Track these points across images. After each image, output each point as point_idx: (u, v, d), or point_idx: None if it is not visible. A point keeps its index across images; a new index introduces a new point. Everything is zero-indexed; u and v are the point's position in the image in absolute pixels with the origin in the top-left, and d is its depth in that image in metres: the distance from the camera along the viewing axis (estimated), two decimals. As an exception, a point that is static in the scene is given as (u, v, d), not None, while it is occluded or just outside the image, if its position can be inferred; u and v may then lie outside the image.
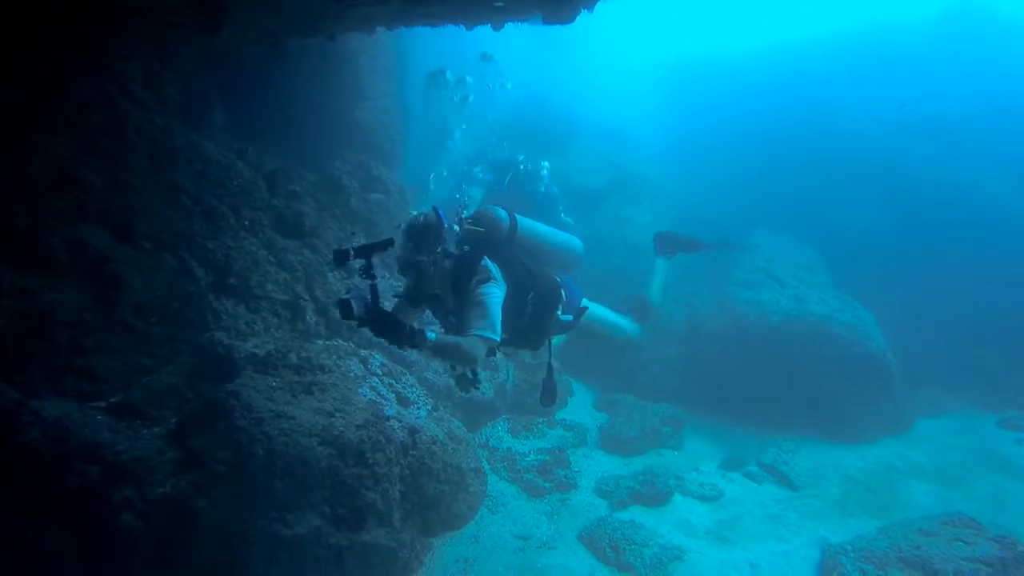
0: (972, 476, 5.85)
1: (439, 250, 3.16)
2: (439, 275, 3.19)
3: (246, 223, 4.72)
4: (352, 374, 4.98)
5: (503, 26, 3.73)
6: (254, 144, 5.87)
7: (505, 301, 3.19)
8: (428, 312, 3.72)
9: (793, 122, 10.47)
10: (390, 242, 2.99)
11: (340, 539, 4.25)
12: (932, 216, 9.16)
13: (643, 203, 9.76)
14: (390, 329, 2.83)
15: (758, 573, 4.65)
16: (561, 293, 3.68)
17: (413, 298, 3.35)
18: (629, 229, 8.94)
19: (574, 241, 4.06)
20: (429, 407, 5.62)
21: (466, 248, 3.26)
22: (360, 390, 4.90)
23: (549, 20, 3.39)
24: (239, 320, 4.63)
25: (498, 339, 3.04)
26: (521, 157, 8.62)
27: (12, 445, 3.42)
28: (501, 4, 3.12)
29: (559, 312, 3.65)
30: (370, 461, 4.44)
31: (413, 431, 4.99)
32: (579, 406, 8.02)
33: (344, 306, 2.78)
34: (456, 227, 3.35)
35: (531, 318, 3.44)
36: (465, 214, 3.48)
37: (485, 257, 3.22)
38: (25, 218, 3.71)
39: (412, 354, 6.21)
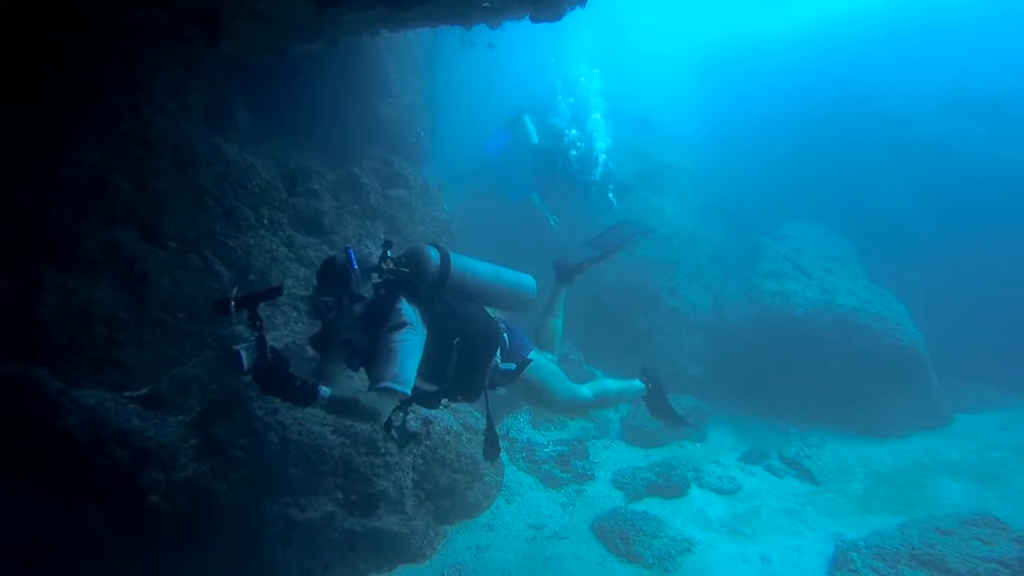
0: (1012, 475, 5.56)
1: (346, 293, 2.92)
2: (347, 320, 2.94)
3: (265, 222, 4.96)
4: (368, 364, 5.18)
5: (500, 24, 3.78)
6: (279, 145, 6.12)
7: (427, 348, 2.95)
8: None
9: (827, 104, 10.07)
10: (278, 290, 2.75)
11: (353, 524, 4.46)
12: (977, 199, 8.68)
13: (671, 193, 9.62)
14: (278, 386, 2.59)
15: (769, 567, 4.61)
16: (499, 339, 3.36)
17: (320, 344, 3.10)
18: (656, 219, 8.84)
19: (524, 280, 3.64)
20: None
21: (382, 291, 3.01)
22: (375, 381, 5.09)
23: (536, 19, 3.43)
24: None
25: (407, 392, 2.77)
26: (575, 133, 8.45)
27: (54, 429, 3.74)
28: (488, 4, 3.17)
29: (498, 360, 3.35)
30: (382, 450, 4.63)
31: (427, 421, 5.15)
32: (603, 398, 8.04)
33: (233, 358, 2.58)
34: (379, 267, 3.10)
35: (459, 366, 3.16)
36: (391, 253, 3.19)
37: (402, 300, 2.95)
38: (63, 222, 4.01)
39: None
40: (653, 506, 5.63)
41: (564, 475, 6.18)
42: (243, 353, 2.60)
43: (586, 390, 3.84)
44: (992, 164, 8.76)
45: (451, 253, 3.34)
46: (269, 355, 2.64)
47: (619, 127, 9.84)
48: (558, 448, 6.56)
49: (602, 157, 8.64)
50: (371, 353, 2.88)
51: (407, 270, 3.16)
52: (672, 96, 11.30)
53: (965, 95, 9.35)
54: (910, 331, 7.09)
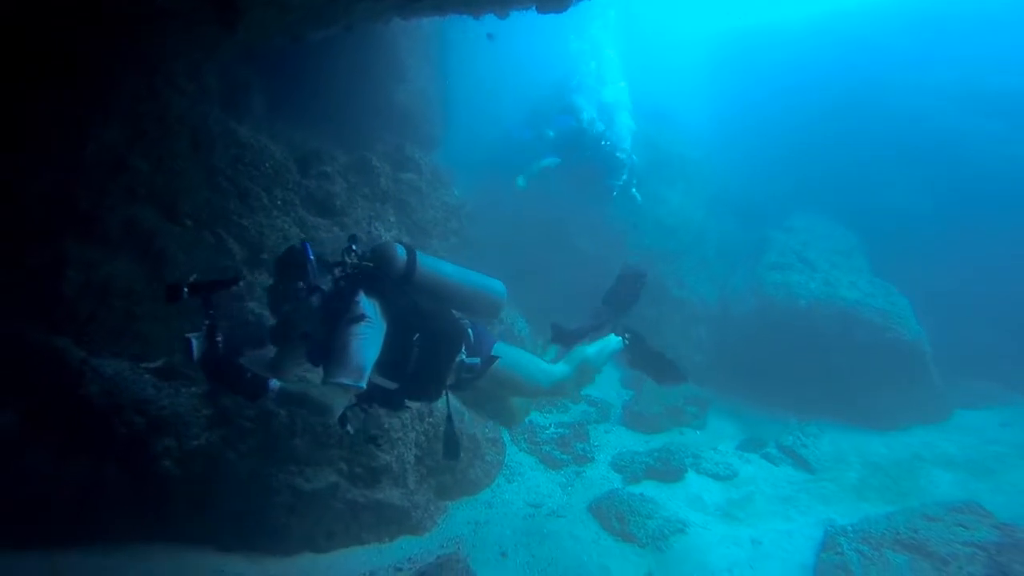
0: (1006, 468, 5.64)
1: (302, 286, 2.90)
2: (304, 312, 2.93)
3: (278, 202, 5.11)
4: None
5: (508, 14, 3.86)
6: (293, 128, 6.27)
7: (386, 343, 2.91)
8: None
9: (839, 98, 9.98)
10: (233, 281, 2.71)
11: (356, 495, 4.64)
12: (987, 196, 8.60)
13: (679, 184, 9.65)
14: (225, 377, 2.55)
15: (758, 549, 4.74)
16: (464, 334, 3.34)
17: (278, 336, 3.09)
18: (663, 209, 8.90)
19: (491, 283, 3.57)
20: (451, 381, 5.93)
21: (341, 284, 2.97)
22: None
23: (542, 9, 3.51)
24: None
25: (362, 385, 2.73)
26: (601, 128, 8.14)
27: (77, 396, 3.95)
28: (495, -6, 3.26)
29: (463, 355, 3.31)
30: (385, 426, 4.81)
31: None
32: (606, 383, 8.16)
33: (184, 346, 2.54)
34: (341, 261, 3.09)
35: (419, 363, 3.10)
36: (356, 247, 3.16)
37: (361, 293, 2.90)
38: (86, 200, 4.19)
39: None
40: (650, 489, 5.76)
41: (564, 457, 6.33)
42: (194, 341, 2.55)
43: (563, 366, 3.82)
44: (1003, 161, 8.67)
45: (419, 253, 3.29)
46: (220, 345, 2.58)
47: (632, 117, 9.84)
48: (559, 430, 6.71)
49: (623, 155, 8.32)
50: (328, 346, 2.82)
51: (370, 264, 3.11)
52: (684, 87, 11.25)
53: (979, 90, 9.23)
54: (912, 326, 7.12)
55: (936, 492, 5.27)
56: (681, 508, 5.44)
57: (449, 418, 3.48)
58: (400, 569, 4.32)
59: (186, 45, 4.56)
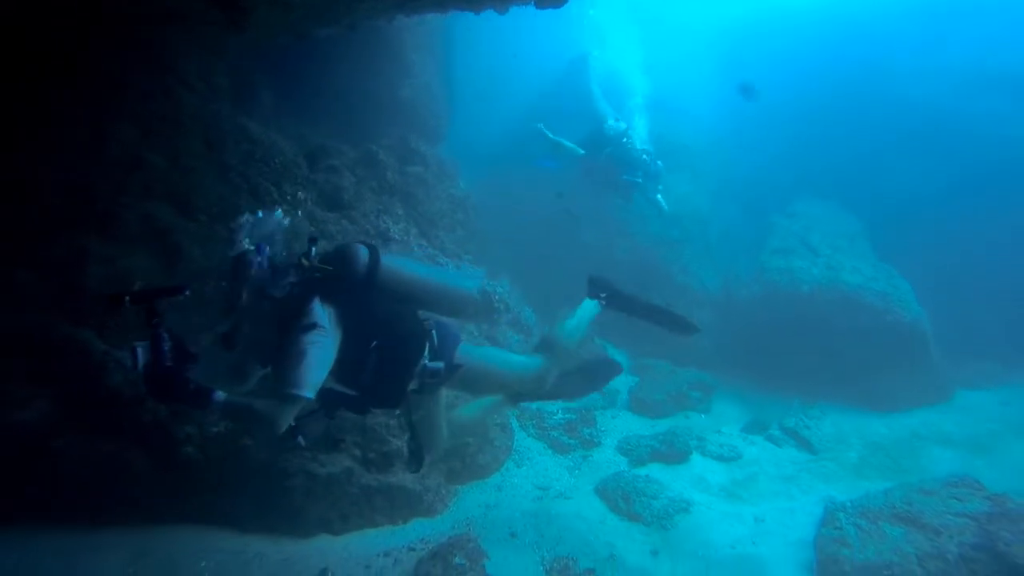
0: (1003, 445, 5.76)
1: (253, 290, 2.78)
2: (254, 318, 2.83)
3: (288, 197, 5.25)
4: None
5: (507, 9, 3.96)
6: (300, 123, 6.40)
7: (342, 352, 2.84)
8: None
9: (844, 83, 10.01)
10: (179, 289, 2.58)
11: (369, 480, 4.79)
12: (992, 179, 8.63)
13: (684, 172, 9.70)
14: (166, 389, 2.46)
15: (760, 526, 4.88)
16: (425, 339, 3.22)
17: (228, 342, 2.89)
18: (667, 197, 8.95)
19: (463, 282, 3.49)
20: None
21: (296, 290, 2.87)
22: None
23: (540, 5, 3.61)
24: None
25: (310, 396, 2.64)
26: (624, 127, 7.93)
27: (101, 386, 4.12)
28: (494, -10, 3.36)
29: (426, 359, 3.21)
30: (396, 412, 4.96)
31: (440, 386, 5.46)
32: (612, 371, 8.29)
33: (130, 353, 2.43)
34: (298, 264, 2.96)
35: (377, 370, 3.00)
36: (315, 250, 3.04)
37: (315, 301, 2.82)
38: (105, 197, 4.35)
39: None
40: (655, 471, 5.89)
41: (571, 441, 6.46)
42: (139, 350, 2.43)
43: (539, 357, 3.69)
44: (1007, 142, 8.68)
45: (386, 253, 3.17)
46: (169, 355, 2.47)
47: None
48: (567, 416, 6.84)
49: (644, 155, 7.94)
50: (279, 354, 2.75)
51: (330, 268, 3.00)
52: (689, 74, 11.28)
53: (983, 71, 9.22)
54: (913, 308, 7.20)
55: (934, 469, 5.38)
56: (686, 489, 5.57)
57: (411, 426, 3.34)
58: (413, 549, 4.46)
59: (196, 45, 4.71)
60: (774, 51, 10.73)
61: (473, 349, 3.54)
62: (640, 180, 7.75)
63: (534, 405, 7.18)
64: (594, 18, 10.90)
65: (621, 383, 7.98)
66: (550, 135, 8.19)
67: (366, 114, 7.59)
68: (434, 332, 3.29)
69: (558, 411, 7.01)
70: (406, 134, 7.65)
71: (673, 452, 6.15)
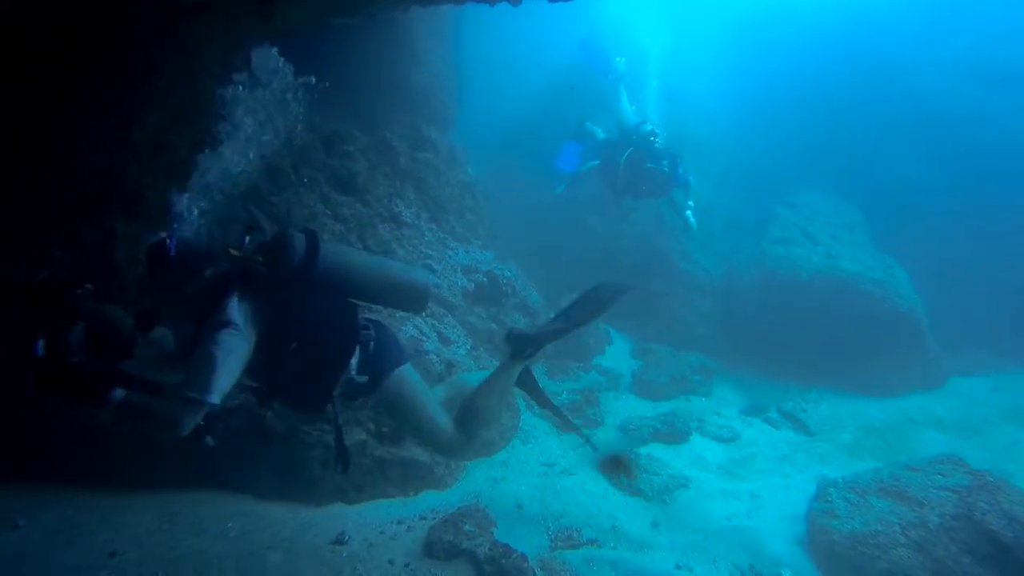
0: (990, 428, 5.98)
1: (166, 283, 2.65)
2: (169, 313, 2.72)
3: (305, 180, 5.44)
4: (398, 314, 5.70)
5: (520, 1, 4.10)
6: (315, 109, 6.56)
7: (260, 352, 2.66)
8: None
9: (848, 74, 10.11)
10: (76, 284, 2.51)
11: (383, 452, 5.01)
12: (993, 170, 8.77)
13: (688, 161, 9.82)
14: (58, 385, 2.31)
15: (756, 502, 5.09)
16: (350, 347, 2.97)
17: (144, 324, 2.77)
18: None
19: (411, 275, 3.24)
20: (468, 347, 6.28)
21: (215, 283, 2.69)
22: (404, 327, 5.60)
23: (552, -2, 3.76)
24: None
25: (214, 401, 2.47)
26: (649, 128, 7.52)
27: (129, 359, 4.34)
28: (510, -17, 3.51)
29: (353, 369, 2.98)
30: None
31: (450, 365, 5.66)
32: (616, 353, 8.51)
33: (31, 346, 2.30)
34: (225, 253, 2.80)
35: (295, 374, 2.81)
36: (248, 239, 2.86)
37: (232, 296, 2.62)
38: (132, 179, 4.55)
39: (456, 298, 6.89)
40: (656, 450, 6.10)
41: (576, 421, 6.67)
42: (40, 343, 2.30)
43: (457, 429, 3.34)
44: (1008, 134, 8.80)
45: (325, 243, 2.94)
46: (77, 347, 2.37)
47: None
48: (571, 396, 7.06)
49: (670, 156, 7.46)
50: (191, 352, 2.59)
51: (260, 259, 2.82)
52: (695, 64, 11.36)
53: (986, 64, 9.32)
54: (909, 296, 7.39)
55: (924, 451, 5.57)
56: (685, 467, 5.78)
57: (337, 430, 3.15)
58: (424, 518, 4.68)
59: (217, 33, 4.87)
60: (778, 41, 10.81)
61: (413, 379, 3.25)
62: (666, 169, 7.30)
63: (540, 386, 7.40)
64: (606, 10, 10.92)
65: (625, 366, 8.19)
66: (599, 132, 8.08)
67: (377, 101, 7.73)
68: (372, 342, 3.05)
69: (563, 392, 7.23)
70: (417, 121, 7.81)
71: (674, 432, 6.35)
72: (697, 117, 10.65)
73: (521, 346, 3.49)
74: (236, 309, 2.61)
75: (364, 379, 3.04)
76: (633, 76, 8.74)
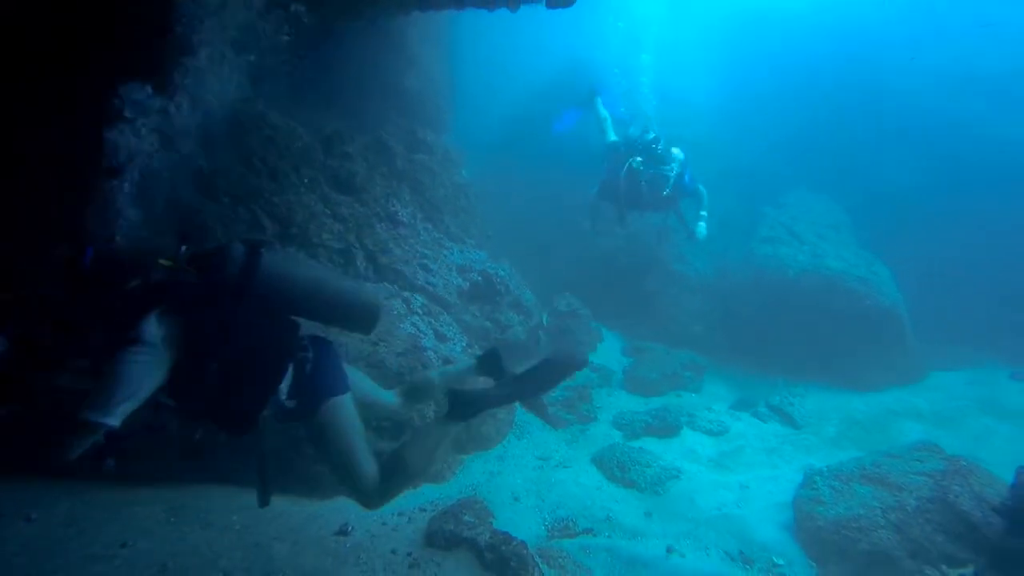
0: (964, 419, 6.27)
1: (82, 296, 2.49)
2: (84, 325, 2.52)
3: (305, 181, 5.54)
4: (395, 312, 5.81)
5: (518, 8, 4.25)
6: (310, 110, 6.68)
7: (177, 372, 2.50)
8: None
9: (837, 79, 10.39)
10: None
11: (383, 446, 5.12)
12: (974, 175, 9.09)
13: (692, 167, 10.03)
14: None
15: (746, 492, 5.27)
16: (277, 370, 2.75)
17: (61, 330, 2.58)
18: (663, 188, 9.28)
19: (361, 293, 3.05)
20: (463, 344, 6.40)
21: (134, 296, 2.52)
22: (402, 325, 5.72)
23: (551, 4, 3.90)
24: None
25: (111, 423, 2.31)
26: (651, 136, 7.25)
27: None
28: (510, -8, 3.65)
29: (282, 393, 2.77)
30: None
31: (447, 361, 5.78)
32: (608, 352, 8.67)
33: None
34: (155, 264, 2.63)
35: (219, 394, 2.61)
36: (184, 249, 2.70)
37: (151, 312, 2.45)
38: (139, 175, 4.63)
39: (452, 297, 7.02)
40: (648, 444, 6.27)
41: (569, 416, 6.83)
42: None
43: (379, 479, 3.04)
44: (987, 142, 9.12)
45: (270, 255, 2.74)
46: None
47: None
48: (565, 393, 7.19)
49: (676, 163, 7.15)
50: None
51: (192, 271, 2.65)
52: (688, 66, 11.58)
53: (967, 73, 9.64)
54: (891, 293, 7.65)
55: (904, 440, 5.79)
56: (677, 459, 5.95)
57: (260, 457, 2.92)
58: (424, 510, 4.79)
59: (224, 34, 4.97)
60: (770, 45, 11.05)
61: (347, 413, 2.98)
62: (672, 175, 7.04)
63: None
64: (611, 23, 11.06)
65: (616, 364, 8.36)
66: (610, 131, 7.83)
67: (373, 102, 7.85)
68: (310, 365, 2.85)
69: (556, 389, 7.37)
70: (412, 123, 7.93)
71: (665, 427, 6.52)
72: (691, 119, 10.84)
73: (461, 408, 3.27)
74: (154, 325, 2.44)
75: (291, 404, 2.83)
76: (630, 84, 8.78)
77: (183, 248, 2.72)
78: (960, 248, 9.15)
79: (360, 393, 3.23)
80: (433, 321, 6.26)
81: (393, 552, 4.05)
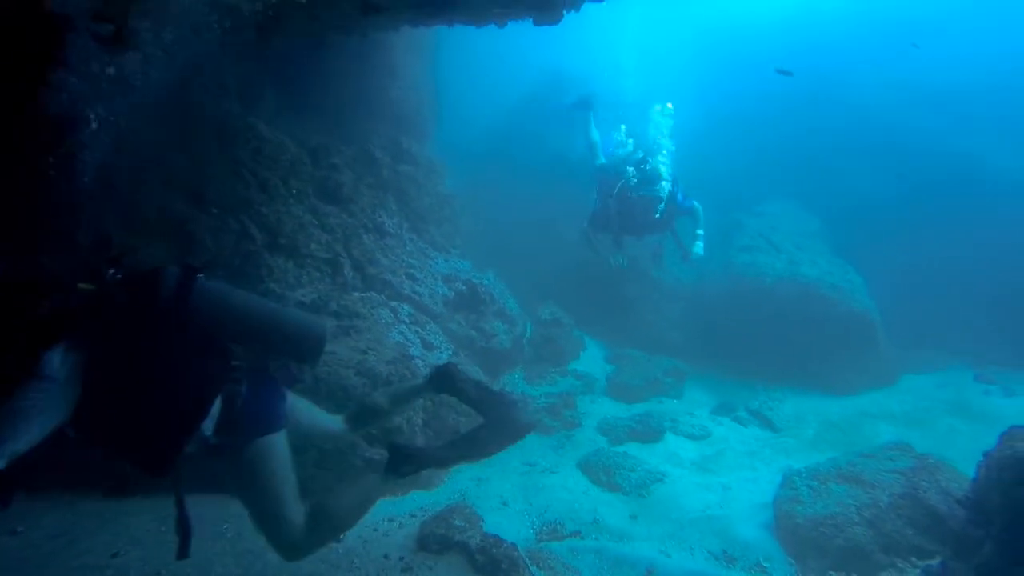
0: (933, 419, 6.57)
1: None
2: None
3: (294, 192, 5.60)
4: (383, 321, 5.88)
5: (506, 24, 4.39)
6: (295, 122, 6.74)
7: (85, 405, 2.29)
8: None
9: (807, 94, 10.76)
10: None
11: (372, 453, 5.17)
12: (935, 185, 9.51)
13: (683, 184, 10.27)
14: None
15: (728, 493, 5.42)
16: (210, 402, 2.54)
17: None
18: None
19: (303, 321, 2.86)
20: (450, 352, 6.49)
21: (43, 322, 2.28)
22: (390, 334, 5.79)
23: (538, 22, 4.05)
24: (288, 274, 5.54)
25: None
26: (640, 155, 7.16)
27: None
28: (499, 10, 3.79)
29: (208, 430, 2.56)
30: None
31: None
32: (590, 359, 8.79)
33: None
34: (80, 289, 2.38)
35: (136, 429, 2.42)
36: (112, 272, 2.48)
37: (62, 341, 2.25)
38: (128, 188, 4.66)
39: (438, 306, 7.10)
40: (632, 448, 6.39)
41: (554, 423, 6.93)
42: None
43: (305, 528, 2.85)
44: (947, 153, 9.56)
45: (206, 280, 2.59)
46: None
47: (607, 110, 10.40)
48: (549, 400, 7.31)
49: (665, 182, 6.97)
50: None
51: (122, 294, 2.42)
52: (656, 82, 11.89)
53: (925, 87, 10.10)
54: (863, 300, 7.94)
55: (878, 441, 6.01)
56: (660, 463, 6.08)
57: (178, 499, 2.69)
58: (415, 515, 4.85)
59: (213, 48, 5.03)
60: (743, 58, 11.41)
61: (279, 454, 2.78)
62: (664, 195, 6.90)
63: (518, 391, 7.65)
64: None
65: (599, 371, 8.49)
66: (600, 153, 7.79)
67: (357, 113, 7.92)
68: (240, 399, 2.63)
69: (541, 396, 7.48)
70: (396, 133, 8.02)
71: (649, 432, 6.66)
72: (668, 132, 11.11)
73: (401, 462, 3.15)
74: (58, 358, 2.24)
75: (221, 442, 2.62)
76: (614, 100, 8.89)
77: (111, 271, 2.48)
78: (927, 255, 9.52)
79: (305, 425, 3.15)
80: (420, 330, 6.33)
81: (386, 557, 4.10)
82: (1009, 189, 9.17)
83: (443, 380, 3.43)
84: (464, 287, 7.58)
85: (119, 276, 2.47)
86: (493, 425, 3.38)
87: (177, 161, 4.87)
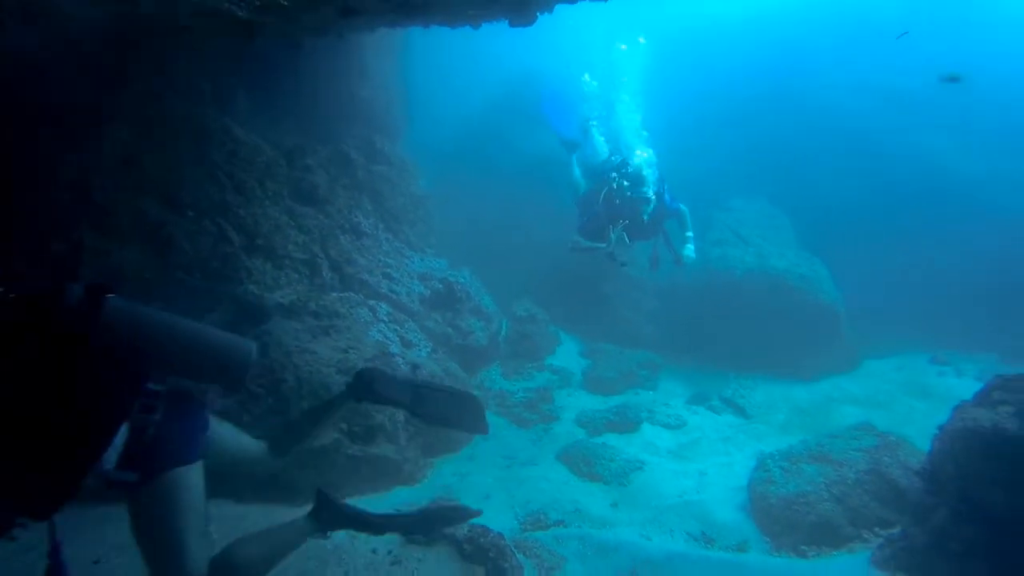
0: (893, 401, 6.93)
1: None
2: None
3: (270, 193, 5.59)
4: (362, 320, 5.92)
5: (480, 25, 4.49)
6: (267, 123, 6.71)
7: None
8: None
9: (771, 93, 11.14)
10: None
11: (355, 451, 5.20)
12: (899, 182, 9.97)
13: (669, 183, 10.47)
14: None
15: (704, 479, 5.62)
16: (113, 432, 2.25)
17: None
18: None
19: (229, 343, 2.60)
20: (429, 349, 6.55)
21: None
22: (369, 333, 5.83)
23: (514, 23, 4.15)
24: (267, 275, 5.53)
25: None
26: (619, 159, 7.07)
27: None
28: (474, 12, 3.88)
29: (109, 463, 2.27)
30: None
31: (415, 366, 5.93)
32: (566, 354, 8.93)
33: None
34: None
35: (20, 466, 2.12)
36: (2, 290, 2.20)
37: None
38: (101, 192, 4.61)
39: (415, 304, 7.15)
40: (611, 439, 6.54)
41: (533, 416, 7.05)
42: None
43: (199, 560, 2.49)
44: (915, 152, 10.05)
45: (116, 301, 2.32)
46: None
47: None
48: (527, 395, 7.42)
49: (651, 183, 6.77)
50: None
51: (13, 314, 2.15)
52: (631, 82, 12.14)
53: (890, 89, 10.58)
54: (829, 290, 8.30)
55: (844, 423, 6.29)
56: (639, 452, 6.24)
57: (54, 547, 2.28)
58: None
59: (181, 50, 5.00)
60: (711, 62, 11.73)
61: (193, 486, 2.51)
62: (652, 196, 6.74)
63: (496, 386, 7.73)
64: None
65: (575, 365, 8.64)
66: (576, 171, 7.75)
67: (330, 113, 7.91)
68: (152, 428, 2.36)
69: (519, 391, 7.59)
70: (369, 132, 8.03)
71: (626, 422, 6.82)
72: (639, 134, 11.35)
73: (327, 516, 3.06)
74: None
75: (126, 476, 2.32)
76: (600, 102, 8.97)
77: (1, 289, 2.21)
78: (887, 249, 9.96)
79: (231, 452, 2.96)
80: (399, 328, 6.39)
81: (374, 551, 4.14)
82: (963, 188, 9.72)
83: (359, 388, 3.25)
84: (440, 285, 7.65)
85: (10, 295, 2.17)
86: (427, 516, 3.64)
87: (151, 164, 4.82)
